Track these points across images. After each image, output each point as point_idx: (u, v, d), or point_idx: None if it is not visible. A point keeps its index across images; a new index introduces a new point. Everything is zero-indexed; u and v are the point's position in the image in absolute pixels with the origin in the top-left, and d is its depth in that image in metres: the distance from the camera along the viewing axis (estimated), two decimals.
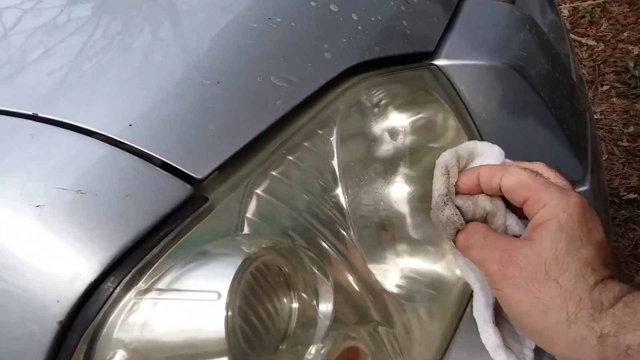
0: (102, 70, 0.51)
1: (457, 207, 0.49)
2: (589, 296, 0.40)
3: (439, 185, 0.50)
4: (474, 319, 0.54)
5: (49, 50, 0.55)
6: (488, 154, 0.53)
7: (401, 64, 0.61)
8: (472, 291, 0.52)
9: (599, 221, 0.44)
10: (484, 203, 0.50)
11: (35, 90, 0.50)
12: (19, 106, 0.45)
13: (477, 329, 0.53)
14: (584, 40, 2.76)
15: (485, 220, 0.50)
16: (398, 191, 0.63)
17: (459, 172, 0.51)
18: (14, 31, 0.61)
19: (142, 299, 0.40)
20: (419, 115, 0.64)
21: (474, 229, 0.48)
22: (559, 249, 0.42)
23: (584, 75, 2.53)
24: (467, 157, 0.53)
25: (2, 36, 0.60)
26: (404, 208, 0.63)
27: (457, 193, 0.50)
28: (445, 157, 0.51)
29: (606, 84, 2.47)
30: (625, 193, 1.98)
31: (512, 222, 0.50)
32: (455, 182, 0.50)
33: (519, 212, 0.49)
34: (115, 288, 0.38)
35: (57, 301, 0.37)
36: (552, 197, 0.44)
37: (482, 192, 0.50)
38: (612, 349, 0.39)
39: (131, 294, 0.39)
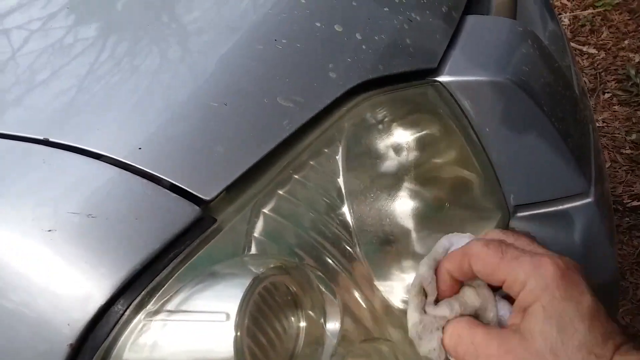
0: (110, 92, 0.52)
1: (444, 317, 0.46)
2: None
3: (411, 313, 0.47)
4: None
5: (57, 72, 0.56)
6: (457, 242, 0.50)
7: (405, 81, 0.62)
8: None
9: (582, 279, 0.42)
10: (471, 299, 0.46)
11: (44, 113, 0.50)
12: (29, 130, 0.46)
13: None
14: (584, 49, 2.77)
15: (477, 315, 0.46)
16: (403, 206, 0.64)
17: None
18: (21, 52, 0.62)
19: (151, 320, 0.40)
20: (423, 132, 0.65)
21: (458, 332, 0.45)
22: (554, 343, 0.39)
23: (586, 83, 2.54)
24: (444, 254, 0.50)
25: (10, 57, 0.61)
26: (409, 223, 0.64)
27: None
28: (421, 272, 0.48)
29: (608, 92, 2.47)
30: (629, 200, 1.98)
31: (505, 311, 0.46)
32: (436, 295, 0.47)
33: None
34: (125, 310, 0.39)
35: (68, 324, 0.38)
36: (527, 275, 0.41)
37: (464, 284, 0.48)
38: None
39: (141, 315, 0.40)
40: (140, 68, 0.54)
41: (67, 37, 0.62)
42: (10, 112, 0.52)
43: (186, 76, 0.52)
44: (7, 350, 0.39)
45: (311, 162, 0.53)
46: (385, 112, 0.61)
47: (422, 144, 0.65)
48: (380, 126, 0.62)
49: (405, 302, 0.60)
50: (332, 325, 0.47)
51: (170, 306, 0.41)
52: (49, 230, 0.39)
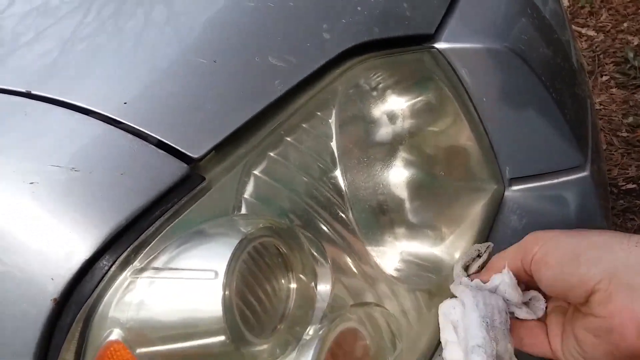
0: (95, 52, 0.50)
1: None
2: None
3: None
4: None
5: (41, 33, 0.54)
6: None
7: (401, 46, 0.60)
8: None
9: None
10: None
11: (28, 70, 0.49)
12: (12, 84, 0.45)
13: None
14: (583, 31, 2.75)
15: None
16: (397, 175, 0.63)
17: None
18: (5, 14, 0.60)
19: (138, 277, 0.39)
20: (418, 99, 0.64)
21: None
22: None
23: (584, 65, 2.52)
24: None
25: None
26: (402, 192, 0.63)
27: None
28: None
29: (606, 75, 2.46)
30: (624, 183, 1.98)
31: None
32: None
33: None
34: (110, 266, 0.38)
35: (52, 279, 0.37)
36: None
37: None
38: None
39: (127, 272, 0.39)
40: (125, 28, 0.52)
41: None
42: None
43: (174, 34, 0.50)
44: None
45: (304, 125, 0.51)
46: (380, 78, 0.60)
47: (417, 112, 0.64)
48: (374, 92, 0.61)
49: (397, 270, 0.59)
50: (323, 288, 0.46)
51: (157, 264, 0.40)
52: (32, 183, 0.38)
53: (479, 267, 0.52)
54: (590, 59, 2.57)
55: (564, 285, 0.42)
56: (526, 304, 0.48)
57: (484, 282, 0.49)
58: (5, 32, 0.57)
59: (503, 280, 0.47)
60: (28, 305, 0.37)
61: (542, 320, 0.48)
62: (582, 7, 2.88)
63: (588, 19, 2.83)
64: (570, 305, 0.45)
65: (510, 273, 0.47)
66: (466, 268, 0.53)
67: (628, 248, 0.40)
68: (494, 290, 0.48)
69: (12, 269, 0.38)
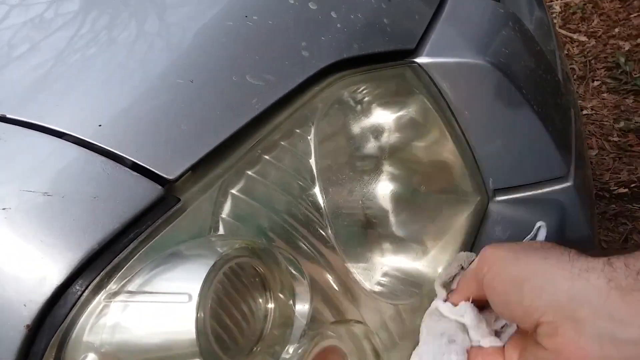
0: (79, 69, 0.50)
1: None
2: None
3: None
4: None
5: (36, 46, 0.55)
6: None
7: (382, 61, 0.61)
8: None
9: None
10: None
11: (12, 89, 0.49)
12: None
13: None
14: (575, 36, 2.77)
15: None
16: (380, 189, 0.63)
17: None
18: (1, 27, 0.60)
19: (111, 301, 0.39)
20: (401, 113, 0.64)
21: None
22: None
23: (575, 70, 2.54)
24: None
25: None
26: (385, 206, 0.63)
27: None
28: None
29: (597, 80, 2.47)
30: (615, 187, 1.99)
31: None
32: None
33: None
34: (83, 291, 0.38)
35: (24, 305, 0.37)
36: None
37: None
38: (621, 270, 0.37)
39: (100, 296, 0.39)
40: (115, 42, 0.53)
41: (47, 12, 0.60)
42: None
43: (152, 54, 0.50)
44: None
45: (282, 143, 0.51)
46: (361, 93, 0.60)
47: (400, 126, 0.64)
48: (356, 107, 0.61)
49: (380, 284, 0.59)
50: (302, 307, 0.46)
51: (131, 287, 0.40)
52: (4, 209, 0.38)
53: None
54: (582, 64, 2.59)
55: (511, 314, 0.42)
56: (497, 331, 0.49)
57: (455, 306, 0.49)
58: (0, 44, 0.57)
59: (467, 312, 0.47)
60: (1, 332, 0.37)
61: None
62: (574, 13, 2.89)
63: (579, 25, 2.84)
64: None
65: (472, 306, 0.47)
66: (446, 285, 0.53)
67: (571, 277, 0.38)
68: (460, 320, 0.48)
69: None
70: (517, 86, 0.67)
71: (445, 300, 0.51)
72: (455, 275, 0.54)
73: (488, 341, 0.47)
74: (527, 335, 0.44)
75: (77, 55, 0.52)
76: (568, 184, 0.74)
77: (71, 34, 0.55)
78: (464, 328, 0.48)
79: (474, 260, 0.54)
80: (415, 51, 0.64)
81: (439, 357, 0.46)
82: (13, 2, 0.64)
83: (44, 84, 0.49)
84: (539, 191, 0.73)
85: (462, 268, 0.55)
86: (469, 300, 0.48)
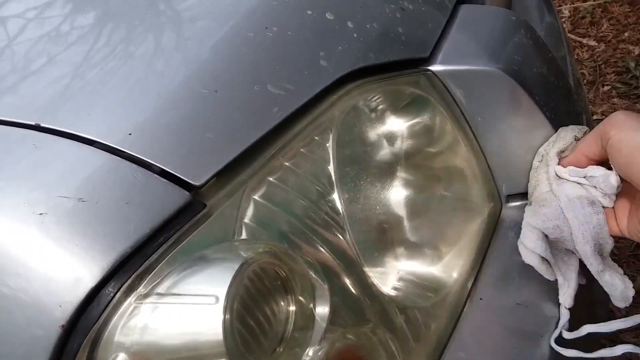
0: (104, 79, 0.52)
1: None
2: None
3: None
4: (471, 320, 0.56)
5: (53, 59, 0.56)
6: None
7: (397, 70, 0.62)
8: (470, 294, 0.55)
9: None
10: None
11: (38, 100, 0.51)
12: (22, 116, 0.47)
13: (474, 329, 0.54)
14: (584, 41, 2.77)
15: None
16: (394, 195, 0.64)
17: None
18: (17, 40, 0.62)
19: (142, 303, 0.41)
20: (415, 120, 0.65)
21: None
22: None
23: (585, 75, 2.54)
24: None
25: (6, 45, 0.61)
26: (400, 212, 0.64)
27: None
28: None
29: (607, 85, 2.47)
30: None
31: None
32: None
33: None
34: (116, 293, 0.39)
35: (60, 306, 0.38)
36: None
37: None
38: None
39: (131, 298, 0.40)
40: (134, 55, 0.54)
41: (63, 25, 0.62)
42: (4, 100, 0.52)
43: (177, 64, 0.52)
44: (4, 327, 0.39)
45: (302, 150, 0.53)
46: (376, 101, 0.62)
47: (414, 133, 0.65)
48: (372, 115, 0.62)
49: (396, 289, 0.60)
50: (322, 310, 0.48)
51: (160, 289, 0.41)
52: (40, 214, 0.39)
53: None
54: (592, 69, 2.58)
55: (632, 174, 0.48)
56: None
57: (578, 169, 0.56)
58: (18, 58, 0.59)
59: (599, 174, 0.53)
60: (37, 331, 0.39)
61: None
62: (583, 17, 2.89)
63: (589, 29, 2.84)
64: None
65: (603, 168, 0.54)
66: (559, 154, 0.59)
67: None
68: (589, 181, 0.54)
69: (22, 296, 0.39)
70: (530, 93, 0.68)
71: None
72: (569, 145, 0.60)
73: (608, 201, 0.54)
74: (635, 197, 0.52)
75: (96, 69, 0.54)
76: None
77: (88, 47, 0.57)
78: (594, 189, 0.54)
79: (587, 131, 0.61)
80: (429, 59, 0.66)
81: (586, 219, 0.54)
82: (30, 15, 0.66)
83: (67, 96, 0.51)
84: None
85: (576, 139, 0.61)
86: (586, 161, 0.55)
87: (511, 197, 0.73)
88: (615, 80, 2.49)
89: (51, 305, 0.39)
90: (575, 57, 2.68)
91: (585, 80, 2.52)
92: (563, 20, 2.92)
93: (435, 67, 0.65)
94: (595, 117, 2.31)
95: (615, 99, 2.40)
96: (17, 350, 0.40)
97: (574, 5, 3.01)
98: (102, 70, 0.53)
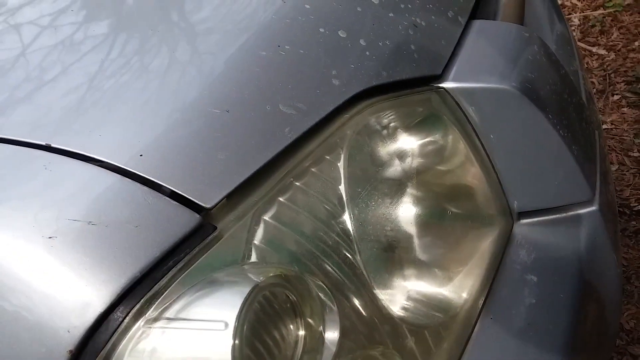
0: (118, 92, 0.52)
1: None
2: None
3: None
4: (482, 340, 0.55)
5: (67, 69, 0.56)
6: None
7: (409, 87, 0.62)
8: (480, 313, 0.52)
9: None
10: None
11: (50, 115, 0.51)
12: (33, 135, 0.46)
13: (485, 349, 0.53)
14: (594, 50, 2.75)
15: None
16: (405, 213, 0.63)
17: None
18: (31, 48, 0.62)
19: (151, 327, 0.40)
20: (427, 138, 0.65)
21: None
22: None
23: (595, 84, 2.52)
24: None
25: (21, 54, 0.61)
26: (411, 230, 0.64)
27: None
28: None
29: (617, 94, 2.45)
30: (636, 204, 1.96)
31: None
32: None
33: None
34: (124, 317, 0.39)
35: (68, 331, 0.38)
36: None
37: None
38: None
39: (140, 322, 0.40)
40: (149, 68, 0.54)
41: (77, 33, 0.62)
42: (17, 112, 0.52)
43: (190, 81, 0.52)
44: (7, 355, 0.39)
45: (312, 169, 0.53)
46: (388, 119, 0.61)
47: (426, 150, 0.65)
48: (383, 132, 0.62)
49: (406, 309, 0.60)
50: (331, 334, 0.47)
51: (169, 314, 0.41)
52: (50, 237, 0.39)
53: None
54: (601, 78, 2.57)
55: None
56: None
57: None
58: (32, 66, 0.59)
59: None
60: (44, 356, 0.38)
61: None
62: (593, 26, 2.88)
63: (599, 38, 2.83)
64: None
65: None
66: None
67: None
68: None
69: (30, 320, 0.39)
70: (543, 110, 0.68)
71: None
72: None
73: None
74: None
75: (110, 82, 0.54)
76: (593, 208, 0.74)
77: (102, 57, 0.57)
78: None
79: None
80: (441, 76, 0.65)
81: None
82: (44, 23, 0.66)
83: (80, 111, 0.51)
84: (564, 215, 0.73)
85: None
86: None
87: (523, 214, 0.72)
88: (625, 89, 2.47)
89: (59, 329, 0.38)
90: (585, 66, 2.66)
91: (594, 90, 2.50)
92: (572, 28, 2.90)
93: (447, 85, 0.65)
94: (604, 126, 2.29)
95: (625, 109, 2.38)
96: None
97: (584, 13, 2.99)
98: (116, 82, 0.53)
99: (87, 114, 0.50)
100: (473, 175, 0.68)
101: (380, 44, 0.60)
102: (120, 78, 0.54)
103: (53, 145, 0.45)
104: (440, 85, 0.64)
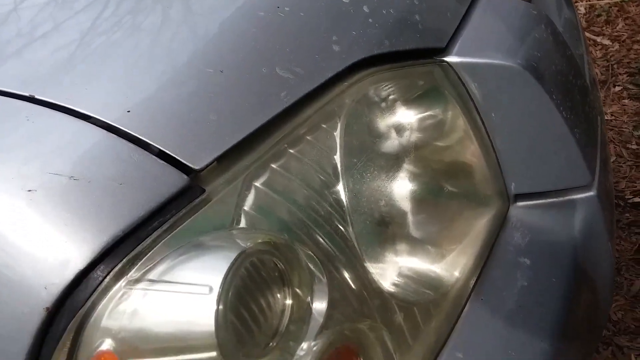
0: (109, 50, 0.50)
1: None
2: None
3: None
4: (471, 320, 0.54)
5: (59, 26, 0.54)
6: None
7: (411, 59, 0.60)
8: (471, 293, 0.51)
9: None
10: None
11: (38, 69, 0.49)
12: (18, 86, 0.45)
13: (474, 329, 0.52)
14: (598, 39, 2.72)
15: None
16: (400, 188, 0.62)
17: None
18: (24, 5, 0.60)
19: (132, 288, 0.39)
20: (427, 113, 0.63)
21: None
22: None
23: (597, 75, 2.50)
24: None
25: (13, 9, 0.59)
26: (405, 205, 0.62)
27: None
28: None
29: (619, 85, 2.43)
30: (631, 196, 1.96)
31: None
32: None
33: None
34: (105, 277, 0.38)
35: (45, 287, 0.37)
36: None
37: None
38: None
39: (121, 283, 0.39)
40: (141, 26, 0.52)
41: None
42: (6, 66, 0.50)
43: (184, 40, 0.50)
44: None
45: (308, 137, 0.51)
46: (388, 90, 0.60)
47: (424, 125, 0.63)
48: (382, 104, 0.60)
49: (396, 285, 0.59)
50: (319, 304, 0.46)
51: (152, 275, 0.40)
52: (30, 190, 0.37)
53: None
54: (604, 69, 2.55)
55: None
56: None
57: None
58: (24, 22, 0.57)
59: None
60: (20, 313, 0.37)
61: None
62: (599, 16, 2.84)
63: (604, 28, 2.79)
64: None
65: None
66: None
67: None
68: None
69: (7, 274, 0.38)
70: (547, 90, 0.66)
71: None
72: None
73: None
74: None
75: (101, 39, 0.52)
76: (591, 193, 0.73)
77: (94, 15, 0.55)
78: None
79: None
80: (445, 50, 0.63)
81: None
82: None
83: (69, 66, 0.49)
84: (561, 199, 0.72)
85: None
86: None
87: (520, 196, 0.71)
88: (627, 81, 2.45)
89: (37, 286, 0.37)
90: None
91: (597, 79, 2.48)
92: (578, 16, 2.87)
93: (451, 59, 0.63)
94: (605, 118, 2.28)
95: (625, 100, 2.37)
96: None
97: (590, 2, 2.96)
98: (108, 40, 0.51)
99: (76, 69, 0.48)
100: (472, 154, 0.67)
101: (384, 12, 0.58)
102: (112, 35, 0.52)
103: (37, 96, 0.43)
104: (444, 58, 0.62)
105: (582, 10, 2.92)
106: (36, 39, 0.53)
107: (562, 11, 1.15)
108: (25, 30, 0.55)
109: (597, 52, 2.65)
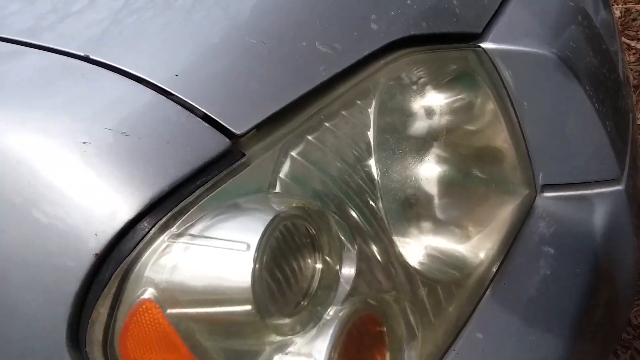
0: (146, 24, 0.52)
1: None
2: None
3: None
4: (493, 303, 0.54)
5: (93, 2, 0.56)
6: None
7: (447, 42, 0.61)
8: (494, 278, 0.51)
9: None
10: None
11: (83, 35, 0.51)
12: (72, 46, 0.47)
13: (495, 312, 0.53)
14: (633, 44, 2.67)
15: None
16: (429, 170, 0.63)
17: None
18: None
19: (174, 242, 0.41)
20: (458, 96, 0.64)
21: None
22: None
23: (630, 79, 2.45)
24: None
25: None
26: (433, 187, 0.63)
27: None
28: None
29: None
30: None
31: None
32: None
33: None
34: (150, 229, 0.40)
35: (95, 234, 0.39)
36: None
37: None
38: None
39: (165, 236, 0.41)
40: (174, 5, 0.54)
41: None
42: (62, 25, 0.52)
43: (226, 12, 0.52)
44: (38, 254, 0.40)
45: (343, 112, 0.52)
46: (422, 72, 0.61)
47: (455, 109, 0.64)
48: (415, 86, 0.61)
49: (421, 263, 0.60)
50: (347, 271, 0.48)
51: (193, 231, 0.42)
52: (84, 143, 0.40)
53: None
54: (637, 73, 2.50)
55: None
56: None
57: None
58: None
59: None
60: (70, 259, 0.39)
61: None
62: (634, 20, 2.78)
63: (639, 32, 2.74)
64: None
65: None
66: None
67: None
68: None
69: (57, 222, 0.40)
70: (581, 82, 0.66)
71: None
72: None
73: None
74: None
75: (150, 6, 0.54)
76: (619, 187, 0.73)
77: None
78: None
79: None
80: (481, 35, 0.64)
81: None
82: None
83: (119, 29, 0.50)
84: (589, 191, 0.72)
85: None
86: None
87: (547, 187, 0.71)
88: None
89: (87, 234, 0.39)
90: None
91: (630, 78, 2.43)
92: (615, 17, 2.81)
93: (486, 45, 0.63)
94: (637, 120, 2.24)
95: None
96: (49, 276, 0.41)
97: (626, 5, 2.90)
98: (143, 15, 0.53)
99: (126, 32, 0.50)
100: (501, 141, 0.67)
101: None
102: (161, 4, 0.53)
103: (91, 56, 0.45)
104: (479, 44, 0.63)
105: (617, 13, 2.86)
106: (72, 14, 0.55)
107: (599, 11, 1.14)
108: (60, 6, 0.57)
109: (631, 56, 2.60)
